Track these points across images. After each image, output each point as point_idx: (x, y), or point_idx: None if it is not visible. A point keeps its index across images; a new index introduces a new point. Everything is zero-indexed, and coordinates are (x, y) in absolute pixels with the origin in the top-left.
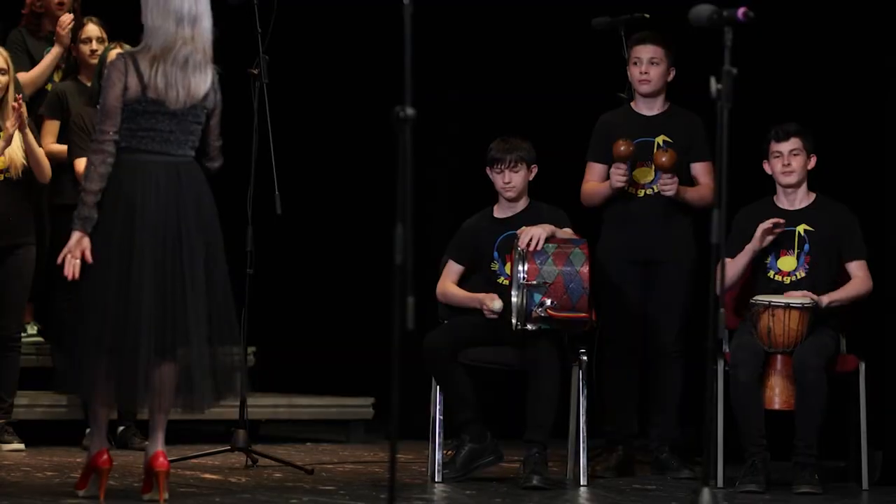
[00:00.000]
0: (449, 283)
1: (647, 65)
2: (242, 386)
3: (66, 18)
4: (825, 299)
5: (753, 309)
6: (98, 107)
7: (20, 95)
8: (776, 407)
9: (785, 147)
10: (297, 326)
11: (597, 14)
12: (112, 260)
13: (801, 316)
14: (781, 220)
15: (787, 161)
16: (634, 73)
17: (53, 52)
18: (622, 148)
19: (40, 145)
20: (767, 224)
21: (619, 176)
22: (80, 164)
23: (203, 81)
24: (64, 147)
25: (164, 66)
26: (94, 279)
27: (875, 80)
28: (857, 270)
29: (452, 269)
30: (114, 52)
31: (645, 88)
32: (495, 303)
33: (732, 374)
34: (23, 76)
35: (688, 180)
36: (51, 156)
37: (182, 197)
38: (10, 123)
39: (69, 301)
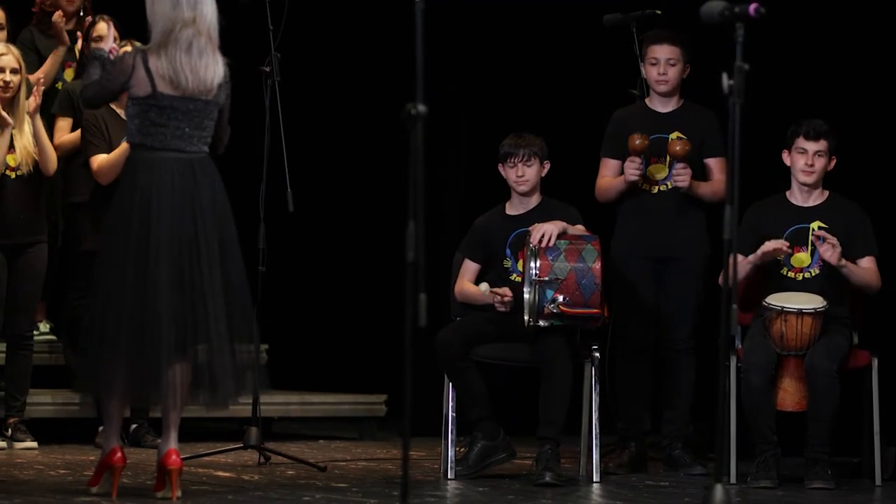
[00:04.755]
0: (466, 283)
1: (665, 65)
2: (257, 383)
3: (58, 16)
4: (843, 261)
5: (766, 314)
6: (96, 79)
7: (42, 78)
8: (788, 409)
9: (812, 147)
10: (310, 324)
11: (608, 10)
12: (129, 258)
13: (814, 320)
14: (787, 250)
15: (811, 161)
16: (652, 73)
17: (56, 54)
18: (637, 141)
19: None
20: (770, 249)
21: (633, 169)
22: (97, 161)
23: (212, 67)
24: (73, 136)
25: (167, 51)
26: (111, 278)
27: (890, 76)
28: (869, 265)
29: (469, 268)
30: (126, 50)
31: (663, 89)
32: (481, 286)
33: (745, 378)
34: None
35: (701, 176)
36: (61, 148)
37: (197, 193)
38: (31, 101)
39: (87, 300)
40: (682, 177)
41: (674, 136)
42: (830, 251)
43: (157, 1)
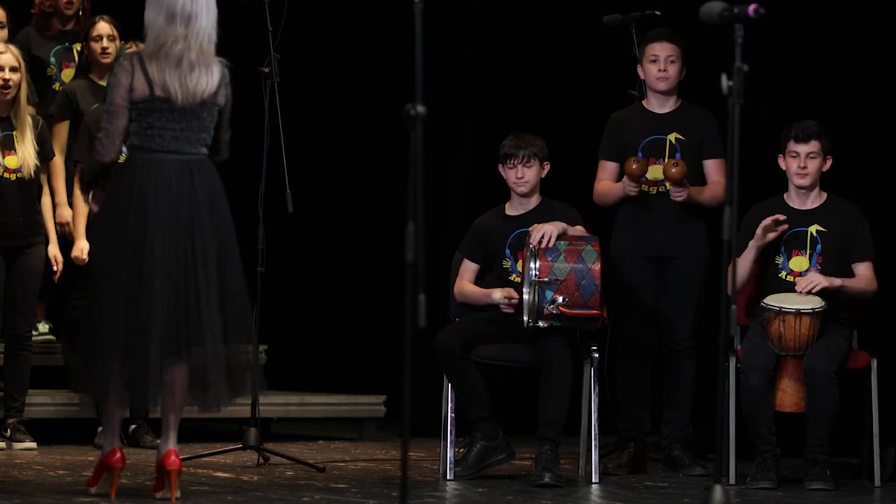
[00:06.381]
0: (466, 283)
1: (665, 62)
2: (255, 384)
3: None
4: (837, 281)
5: (765, 314)
6: (105, 105)
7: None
8: (787, 410)
9: (803, 149)
10: (309, 324)
11: (608, 11)
12: (125, 259)
13: (812, 320)
14: (783, 217)
15: (804, 164)
16: (652, 70)
17: None
18: (634, 166)
19: (53, 154)
20: (768, 221)
21: (631, 189)
22: (83, 175)
23: (204, 80)
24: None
25: (157, 63)
26: (108, 279)
27: (890, 77)
28: (865, 271)
29: (468, 269)
30: (130, 52)
31: (663, 86)
32: (495, 293)
33: (744, 379)
34: None
35: (700, 177)
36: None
37: (195, 195)
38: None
39: (86, 300)
40: (679, 195)
41: (672, 137)
42: (821, 285)
43: (154, 11)
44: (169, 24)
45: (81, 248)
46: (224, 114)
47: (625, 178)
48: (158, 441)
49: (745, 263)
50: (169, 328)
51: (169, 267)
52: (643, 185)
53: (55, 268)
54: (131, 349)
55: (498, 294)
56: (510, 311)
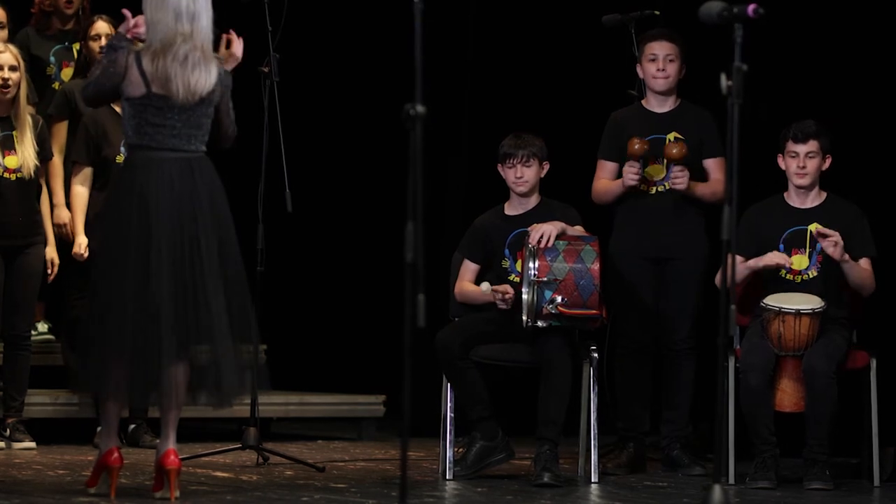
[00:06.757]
0: (466, 283)
1: (664, 61)
2: (256, 383)
3: None
4: (846, 256)
5: (764, 314)
6: (94, 77)
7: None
8: (786, 409)
9: (802, 149)
10: (309, 324)
11: (608, 11)
12: (129, 259)
13: (812, 320)
14: (789, 264)
15: (803, 163)
16: (650, 69)
17: None
18: (636, 146)
19: (52, 154)
20: (779, 260)
21: (632, 174)
22: (79, 178)
23: (204, 79)
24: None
25: (163, 60)
26: (111, 279)
27: (889, 76)
28: (865, 266)
29: (468, 269)
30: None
31: (661, 85)
32: (483, 284)
33: (743, 379)
34: None
35: (700, 177)
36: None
37: (196, 193)
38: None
39: (85, 299)
40: (679, 179)
41: (671, 136)
42: (832, 247)
43: (159, 10)
44: (176, 21)
45: (80, 243)
46: (224, 103)
47: (626, 165)
48: (157, 440)
49: (737, 277)
50: (175, 328)
51: (174, 267)
52: (643, 186)
53: (49, 270)
54: (135, 349)
55: (485, 285)
56: (505, 307)
